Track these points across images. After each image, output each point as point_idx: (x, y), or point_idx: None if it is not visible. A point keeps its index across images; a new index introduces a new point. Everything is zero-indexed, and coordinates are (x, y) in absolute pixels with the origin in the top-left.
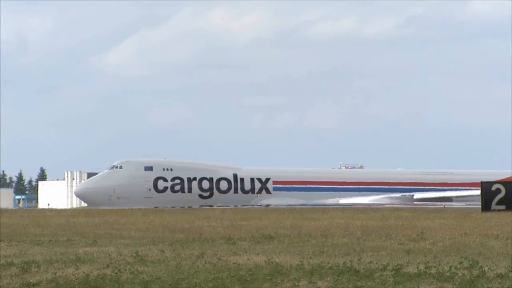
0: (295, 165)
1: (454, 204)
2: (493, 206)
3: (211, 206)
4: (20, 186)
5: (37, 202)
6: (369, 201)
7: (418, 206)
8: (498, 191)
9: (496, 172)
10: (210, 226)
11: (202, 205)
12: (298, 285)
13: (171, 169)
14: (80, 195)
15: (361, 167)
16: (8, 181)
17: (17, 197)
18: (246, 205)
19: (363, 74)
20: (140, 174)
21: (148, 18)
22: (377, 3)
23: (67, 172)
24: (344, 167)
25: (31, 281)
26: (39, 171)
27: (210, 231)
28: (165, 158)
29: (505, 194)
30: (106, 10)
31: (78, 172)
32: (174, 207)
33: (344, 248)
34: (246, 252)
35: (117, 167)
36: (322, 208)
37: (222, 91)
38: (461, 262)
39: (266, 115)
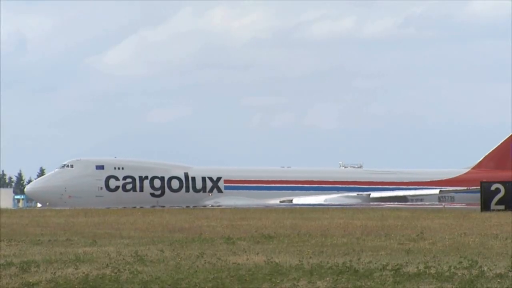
0: (295, 165)
1: (456, 205)
2: (493, 206)
3: (163, 206)
4: (20, 186)
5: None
6: (324, 200)
7: (418, 206)
8: (497, 191)
9: (448, 171)
10: (209, 226)
11: (153, 205)
12: (298, 285)
13: (123, 168)
14: (30, 194)
15: (360, 166)
16: (7, 181)
17: (16, 197)
18: (196, 206)
19: (362, 74)
20: (91, 173)
21: (148, 18)
22: (377, 3)
23: None
24: (343, 167)
25: (31, 281)
26: (39, 171)
27: (210, 231)
28: (115, 157)
29: (505, 194)
30: (105, 10)
31: None
32: (125, 207)
33: (343, 248)
34: (245, 252)
35: (68, 166)
36: (321, 208)
37: (222, 91)
38: (461, 262)
39: (266, 115)
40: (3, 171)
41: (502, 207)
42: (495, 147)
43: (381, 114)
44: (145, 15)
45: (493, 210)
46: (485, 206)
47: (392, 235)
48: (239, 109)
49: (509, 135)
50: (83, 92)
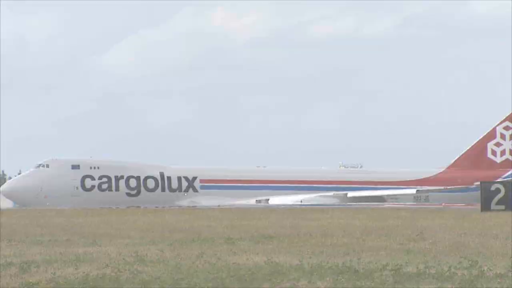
0: (295, 165)
1: (455, 205)
2: (493, 206)
3: (138, 206)
4: None
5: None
6: (301, 200)
7: (417, 206)
8: (497, 191)
9: (424, 171)
10: (209, 226)
11: (129, 206)
12: (298, 285)
13: (98, 168)
14: (6, 194)
15: (360, 166)
16: (7, 180)
17: None
18: (172, 206)
19: (362, 74)
20: (67, 173)
21: (148, 18)
22: (377, 3)
23: None
24: (343, 167)
25: (31, 281)
26: None
27: (210, 231)
28: (91, 157)
29: (505, 194)
30: (106, 10)
31: None
32: (102, 207)
33: (343, 248)
34: (245, 252)
35: (43, 165)
36: (321, 208)
37: (222, 91)
38: (461, 262)
39: (266, 115)
40: (3, 171)
41: (502, 207)
42: (470, 146)
43: (381, 114)
44: (145, 15)
45: (493, 210)
46: (485, 206)
47: (392, 235)
48: (238, 109)
49: (484, 134)
50: (83, 92)
